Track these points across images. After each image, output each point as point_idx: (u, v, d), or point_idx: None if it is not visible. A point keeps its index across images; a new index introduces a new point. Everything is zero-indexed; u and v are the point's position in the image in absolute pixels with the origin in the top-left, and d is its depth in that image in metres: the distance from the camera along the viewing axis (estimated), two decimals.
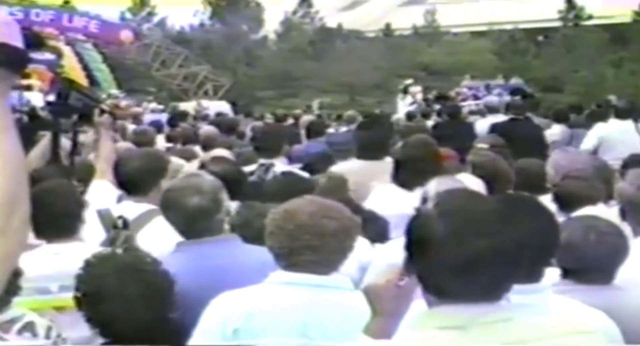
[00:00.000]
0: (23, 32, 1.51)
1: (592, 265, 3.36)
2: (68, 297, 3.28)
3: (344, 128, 10.87)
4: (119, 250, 3.28)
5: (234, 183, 4.54)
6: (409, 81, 29.19)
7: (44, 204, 3.71)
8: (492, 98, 17.20)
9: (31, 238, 3.71)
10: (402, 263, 2.22)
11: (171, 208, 3.77)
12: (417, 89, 27.53)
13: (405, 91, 27.42)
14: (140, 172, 4.63)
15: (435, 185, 3.90)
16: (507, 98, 18.17)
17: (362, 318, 2.36)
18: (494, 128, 9.27)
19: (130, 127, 12.81)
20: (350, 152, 6.63)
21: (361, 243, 4.20)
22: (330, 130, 10.85)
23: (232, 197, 4.13)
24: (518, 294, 2.23)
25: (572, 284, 3.31)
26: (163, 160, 4.94)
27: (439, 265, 2.08)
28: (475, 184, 4.55)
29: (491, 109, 12.85)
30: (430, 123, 13.37)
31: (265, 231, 3.20)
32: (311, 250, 3.06)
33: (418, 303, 2.26)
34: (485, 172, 5.11)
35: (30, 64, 1.54)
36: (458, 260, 2.04)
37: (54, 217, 3.80)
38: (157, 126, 12.93)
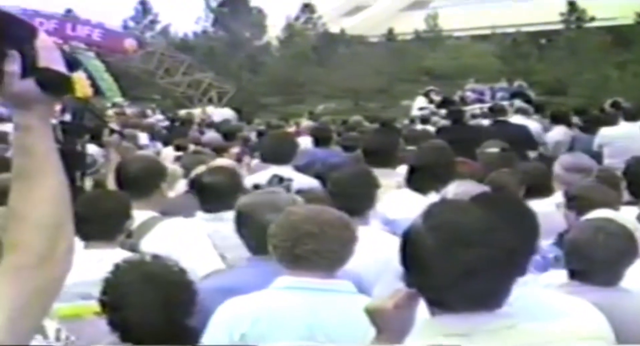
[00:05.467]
0: (63, 56, 1.51)
1: (597, 266, 3.37)
2: None
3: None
4: (148, 258, 3.32)
5: (228, 195, 4.57)
6: (431, 87, 28.97)
7: (93, 207, 3.97)
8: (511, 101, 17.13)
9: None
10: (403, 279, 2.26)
11: (246, 224, 3.80)
12: (436, 95, 27.35)
13: (426, 95, 27.22)
14: (140, 175, 4.67)
15: (454, 188, 3.92)
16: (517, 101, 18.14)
17: (365, 321, 2.40)
18: (481, 133, 9.35)
19: (143, 136, 12.84)
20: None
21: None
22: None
23: (228, 208, 4.17)
24: None
25: (578, 285, 3.33)
26: (161, 163, 4.99)
27: (435, 279, 2.12)
28: None
29: (522, 111, 12.82)
30: (430, 127, 13.39)
31: (268, 238, 3.27)
32: (312, 238, 3.15)
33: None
34: (492, 185, 5.15)
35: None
36: (451, 272, 2.08)
37: (101, 219, 3.95)
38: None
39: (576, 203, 4.68)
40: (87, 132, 5.67)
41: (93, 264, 3.65)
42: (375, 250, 3.99)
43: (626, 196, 5.47)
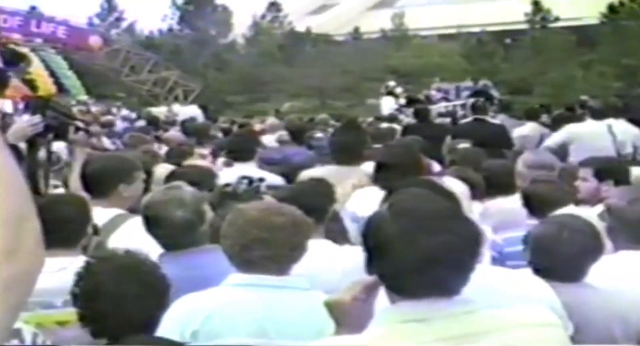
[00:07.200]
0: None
1: (561, 263, 3.39)
2: (71, 312, 3.25)
3: (319, 134, 10.75)
4: (120, 252, 3.27)
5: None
6: (392, 83, 29.10)
7: (51, 213, 3.62)
8: None
9: None
10: (364, 268, 2.27)
11: (155, 223, 3.77)
12: (400, 90, 27.45)
13: (390, 93, 27.30)
14: (104, 173, 4.61)
15: None
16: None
17: (318, 317, 2.44)
18: (458, 130, 9.38)
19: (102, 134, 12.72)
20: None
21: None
22: (319, 135, 10.78)
23: None
24: None
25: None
26: (128, 163, 4.89)
27: (396, 265, 2.15)
28: (459, 187, 4.59)
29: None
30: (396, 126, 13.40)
31: (220, 235, 3.26)
32: (261, 244, 3.11)
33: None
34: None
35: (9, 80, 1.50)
36: (412, 258, 2.11)
37: (60, 225, 3.74)
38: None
39: (530, 201, 4.72)
40: (49, 131, 5.54)
41: (55, 273, 3.59)
42: (339, 262, 3.91)
43: None
